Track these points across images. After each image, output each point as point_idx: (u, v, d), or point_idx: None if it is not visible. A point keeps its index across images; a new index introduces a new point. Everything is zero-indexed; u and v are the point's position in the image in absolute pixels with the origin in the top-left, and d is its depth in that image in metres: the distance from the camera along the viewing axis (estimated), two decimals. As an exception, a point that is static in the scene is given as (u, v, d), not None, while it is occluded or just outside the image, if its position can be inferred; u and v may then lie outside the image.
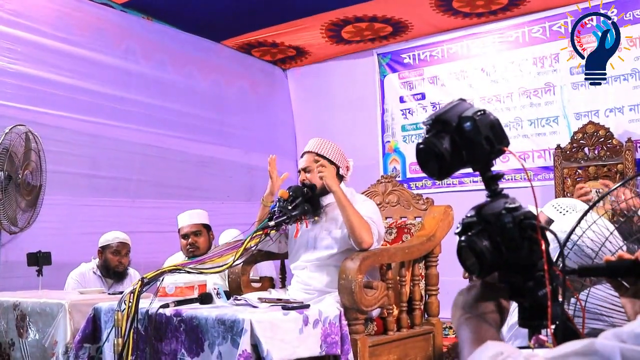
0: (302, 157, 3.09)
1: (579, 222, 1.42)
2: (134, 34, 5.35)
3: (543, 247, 0.92)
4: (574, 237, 1.61)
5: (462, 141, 0.96)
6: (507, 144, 0.97)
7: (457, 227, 0.99)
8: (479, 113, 0.96)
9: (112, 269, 4.11)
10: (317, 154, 3.00)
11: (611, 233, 1.58)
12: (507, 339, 2.18)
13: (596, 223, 1.56)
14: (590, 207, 1.40)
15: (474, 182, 5.40)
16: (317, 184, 2.96)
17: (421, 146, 0.99)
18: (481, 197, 1.00)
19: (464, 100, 1.01)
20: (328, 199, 3.00)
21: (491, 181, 0.99)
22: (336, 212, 2.98)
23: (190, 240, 3.96)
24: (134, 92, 5.26)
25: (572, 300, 1.55)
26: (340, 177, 3.05)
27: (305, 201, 2.87)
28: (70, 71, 4.78)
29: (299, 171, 3.07)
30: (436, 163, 0.98)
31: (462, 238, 0.96)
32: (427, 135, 0.99)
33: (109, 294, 3.52)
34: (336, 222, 2.98)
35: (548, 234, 0.96)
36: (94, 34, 5.00)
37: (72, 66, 4.80)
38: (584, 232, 1.59)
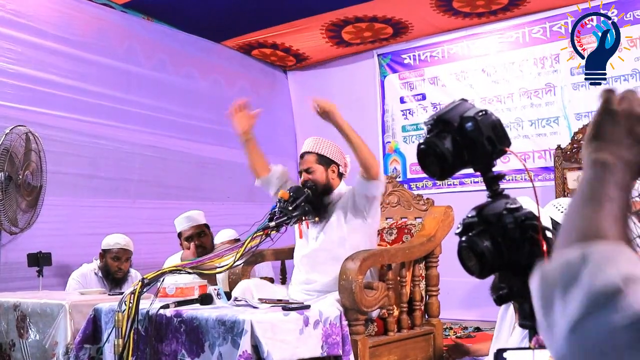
0: (301, 157, 3.07)
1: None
2: (135, 34, 5.35)
3: (544, 247, 0.92)
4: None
5: (463, 141, 0.96)
6: (508, 144, 0.97)
7: (458, 228, 0.99)
8: (480, 113, 0.96)
9: (111, 274, 4.10)
10: (318, 154, 3.00)
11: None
12: (521, 339, 2.17)
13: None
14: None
15: (474, 182, 5.40)
16: (321, 182, 2.96)
17: (422, 146, 0.99)
18: (481, 197, 1.00)
19: (465, 100, 1.01)
20: (329, 199, 3.00)
21: (492, 181, 0.99)
22: (337, 212, 2.98)
23: (196, 242, 3.94)
24: (134, 92, 5.26)
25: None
26: (340, 175, 3.05)
27: (307, 202, 2.86)
28: (71, 72, 4.78)
29: (300, 172, 3.06)
30: (437, 163, 0.97)
31: (463, 238, 0.96)
32: (428, 136, 0.99)
33: (110, 294, 3.52)
34: (337, 222, 2.97)
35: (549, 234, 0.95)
36: (95, 34, 5.00)
37: (72, 67, 4.80)
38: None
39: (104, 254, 4.12)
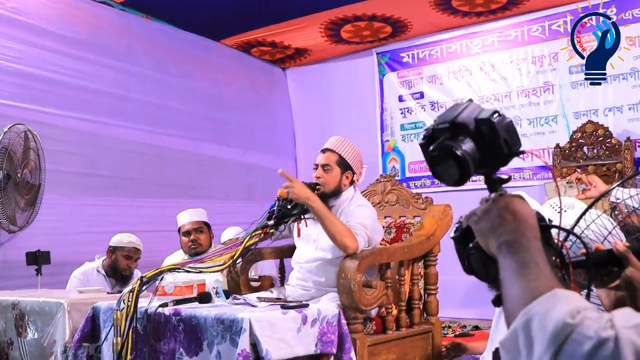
0: (322, 152, 3.02)
1: (577, 221, 1.42)
2: (133, 32, 5.34)
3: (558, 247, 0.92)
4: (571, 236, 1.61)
5: (479, 144, 0.93)
6: (520, 145, 0.95)
7: (455, 231, 0.98)
8: (495, 115, 0.92)
9: (119, 271, 4.09)
10: (340, 156, 2.98)
11: (609, 232, 1.58)
12: (497, 319, 2.19)
13: (595, 222, 1.56)
14: (590, 206, 1.40)
15: (472, 181, 5.38)
16: (331, 184, 2.95)
17: (435, 153, 0.94)
18: (480, 196, 1.00)
19: (471, 101, 0.98)
20: (334, 202, 2.99)
21: (498, 183, 0.97)
22: (337, 212, 2.97)
23: (192, 237, 3.97)
24: (133, 91, 5.25)
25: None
26: (352, 182, 3.03)
27: None
28: (70, 70, 4.77)
29: (316, 165, 3.03)
30: (458, 168, 0.93)
31: (471, 245, 0.94)
32: (439, 140, 0.94)
33: (109, 293, 3.52)
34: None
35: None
36: (93, 32, 4.99)
37: (71, 65, 4.79)
38: (582, 232, 1.58)
39: (115, 250, 4.10)
